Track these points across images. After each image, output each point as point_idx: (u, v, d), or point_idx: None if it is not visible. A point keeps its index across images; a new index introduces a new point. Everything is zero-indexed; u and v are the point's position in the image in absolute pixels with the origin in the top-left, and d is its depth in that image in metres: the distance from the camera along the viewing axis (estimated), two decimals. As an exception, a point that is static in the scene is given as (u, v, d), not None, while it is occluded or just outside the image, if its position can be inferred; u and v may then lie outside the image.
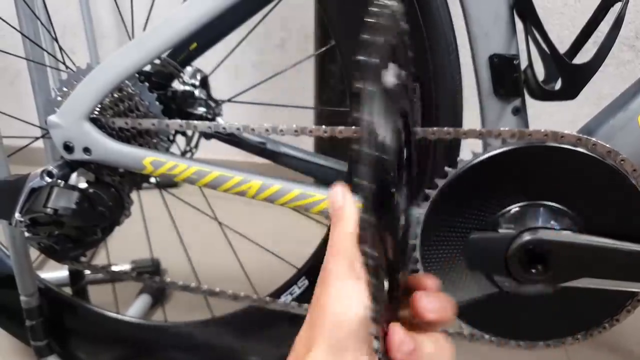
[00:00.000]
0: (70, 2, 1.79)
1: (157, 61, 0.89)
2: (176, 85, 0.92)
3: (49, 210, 0.71)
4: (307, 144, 1.78)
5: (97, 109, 0.77)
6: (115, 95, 0.79)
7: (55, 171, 0.74)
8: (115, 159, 0.75)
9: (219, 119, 0.92)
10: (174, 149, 0.89)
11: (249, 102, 0.96)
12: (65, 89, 0.79)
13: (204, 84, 0.93)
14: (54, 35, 1.01)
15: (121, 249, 1.26)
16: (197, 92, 0.91)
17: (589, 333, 0.71)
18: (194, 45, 0.92)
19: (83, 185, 0.77)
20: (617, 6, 0.64)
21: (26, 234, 0.77)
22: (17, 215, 0.73)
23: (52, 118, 0.74)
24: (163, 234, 1.19)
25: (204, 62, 0.96)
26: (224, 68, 1.80)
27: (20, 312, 0.98)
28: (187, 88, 0.90)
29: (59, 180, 0.74)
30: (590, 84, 1.53)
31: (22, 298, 0.96)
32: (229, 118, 0.93)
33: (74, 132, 0.74)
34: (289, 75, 1.76)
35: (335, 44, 0.75)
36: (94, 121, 0.75)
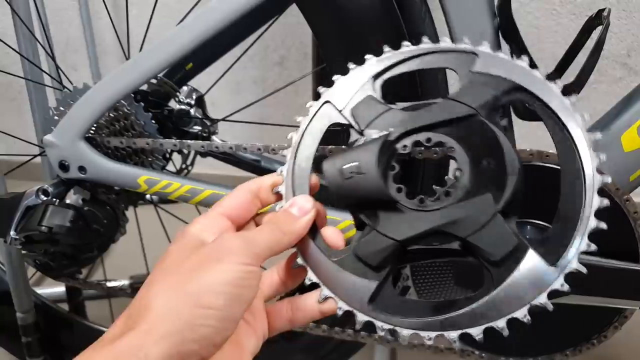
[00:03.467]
0: (73, 20, 1.83)
1: (154, 81, 0.91)
2: (173, 104, 0.94)
3: (43, 228, 0.72)
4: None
5: (93, 128, 0.79)
6: (111, 115, 0.80)
7: (50, 189, 0.76)
8: (110, 177, 0.76)
9: (214, 138, 0.94)
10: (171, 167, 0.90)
11: (244, 121, 0.97)
12: (62, 108, 0.81)
13: (200, 103, 0.95)
14: (51, 54, 1.03)
15: (121, 264, 1.27)
16: (192, 111, 0.92)
17: (577, 349, 0.72)
18: (190, 65, 0.94)
19: (78, 203, 0.78)
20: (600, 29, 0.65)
21: (22, 251, 0.78)
22: (12, 233, 0.74)
23: (48, 137, 0.75)
24: (162, 250, 1.20)
25: (206, 78, 0.98)
26: (225, 84, 1.83)
27: (17, 328, 0.99)
28: (183, 107, 0.92)
29: (54, 199, 0.75)
30: (584, 102, 1.55)
31: (18, 314, 0.97)
32: (229, 135, 0.94)
33: (69, 151, 0.75)
34: (289, 93, 1.79)
35: (327, 65, 0.77)
36: (90, 140, 0.77)
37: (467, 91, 0.49)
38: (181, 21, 0.71)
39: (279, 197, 0.51)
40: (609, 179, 0.48)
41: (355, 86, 0.52)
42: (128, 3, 1.70)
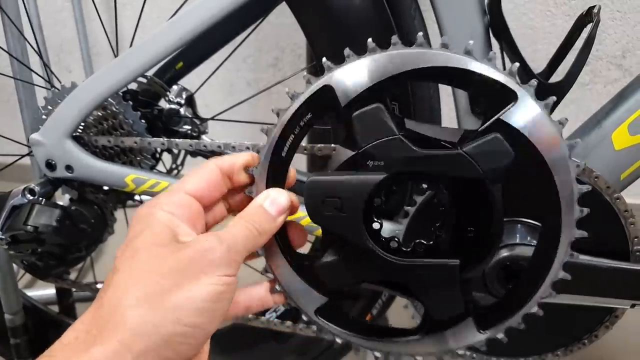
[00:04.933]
0: (67, 21, 1.82)
1: (144, 80, 0.90)
2: (163, 103, 0.93)
3: (29, 228, 0.71)
4: (301, 162, 1.79)
5: (81, 127, 0.78)
6: (99, 114, 0.79)
7: (37, 189, 0.75)
8: (98, 176, 0.75)
9: (203, 137, 0.93)
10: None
11: (233, 120, 0.96)
12: (50, 108, 0.80)
13: (190, 102, 0.94)
14: (38, 52, 1.02)
15: (111, 266, 1.26)
16: (182, 110, 0.91)
17: (568, 349, 0.71)
18: (180, 64, 0.93)
19: (65, 202, 0.77)
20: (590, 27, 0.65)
21: (10, 252, 0.77)
22: (-3, 232, 0.73)
23: (35, 136, 0.74)
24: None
25: (198, 80, 0.97)
26: (219, 86, 1.83)
27: (5, 330, 0.98)
28: (173, 106, 0.91)
29: (41, 198, 0.74)
30: (580, 102, 1.55)
31: (7, 316, 0.96)
32: (222, 135, 0.93)
33: (56, 150, 0.74)
34: (283, 94, 1.78)
35: (317, 64, 0.76)
36: (77, 139, 0.76)
37: (485, 148, 0.42)
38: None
39: (251, 179, 0.47)
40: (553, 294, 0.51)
41: (368, 81, 0.43)
42: (122, 4, 1.70)
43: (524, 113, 0.43)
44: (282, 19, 1.64)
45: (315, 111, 0.44)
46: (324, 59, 0.43)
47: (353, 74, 0.43)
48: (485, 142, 0.43)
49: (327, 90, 0.43)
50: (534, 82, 0.43)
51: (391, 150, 0.44)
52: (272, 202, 0.45)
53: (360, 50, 0.45)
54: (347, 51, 0.43)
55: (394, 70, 0.43)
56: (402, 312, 0.75)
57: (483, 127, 0.43)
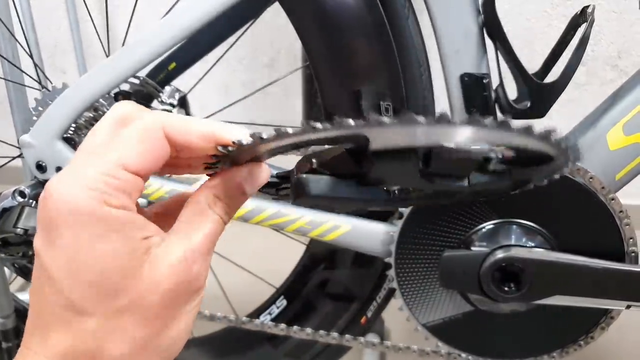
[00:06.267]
0: (61, 22, 1.81)
1: (136, 81, 0.90)
2: (156, 104, 0.92)
3: (19, 231, 0.70)
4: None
5: (72, 129, 0.77)
6: (90, 115, 0.79)
7: (27, 191, 0.74)
8: (89, 178, 0.74)
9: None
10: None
11: (227, 121, 0.96)
12: (40, 109, 0.79)
13: (183, 103, 0.93)
14: (29, 53, 1.01)
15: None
16: (175, 112, 0.91)
17: (564, 351, 0.71)
18: (173, 65, 0.92)
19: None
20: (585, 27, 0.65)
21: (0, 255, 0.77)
22: (-14, 235, 0.72)
23: (25, 137, 0.74)
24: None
25: (193, 81, 0.97)
26: (215, 87, 1.82)
27: (-3, 333, 0.97)
28: (165, 107, 0.90)
29: (31, 200, 0.74)
30: (576, 103, 1.55)
31: (-2, 319, 0.95)
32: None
33: (46, 151, 0.73)
34: (278, 95, 1.78)
35: (310, 64, 0.76)
36: (68, 141, 0.75)
37: (493, 187, 0.38)
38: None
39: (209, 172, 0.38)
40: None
41: (408, 142, 0.34)
42: (115, 5, 1.70)
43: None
44: (277, 19, 1.64)
45: (335, 143, 0.38)
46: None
47: (392, 134, 0.35)
48: (497, 183, 0.39)
49: (362, 137, 0.36)
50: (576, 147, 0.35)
51: (405, 191, 0.40)
52: (254, 181, 0.37)
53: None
54: (408, 115, 0.35)
55: (431, 142, 0.34)
56: (398, 314, 0.75)
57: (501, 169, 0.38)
